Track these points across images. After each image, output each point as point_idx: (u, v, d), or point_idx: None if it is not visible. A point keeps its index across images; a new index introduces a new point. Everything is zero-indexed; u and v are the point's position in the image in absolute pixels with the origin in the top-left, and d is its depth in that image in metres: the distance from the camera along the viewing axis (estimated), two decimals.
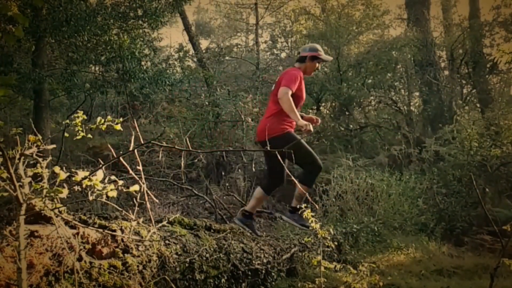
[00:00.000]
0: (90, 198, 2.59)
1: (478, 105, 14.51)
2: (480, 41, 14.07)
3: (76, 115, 2.84)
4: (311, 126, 4.25)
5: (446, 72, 14.51)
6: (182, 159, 8.96)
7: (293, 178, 3.46)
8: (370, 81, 13.36)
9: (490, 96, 14.05)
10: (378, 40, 14.50)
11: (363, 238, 6.26)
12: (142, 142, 2.85)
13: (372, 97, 13.46)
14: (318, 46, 4.90)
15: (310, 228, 4.17)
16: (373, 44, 13.70)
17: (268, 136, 4.37)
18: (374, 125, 12.41)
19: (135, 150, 2.83)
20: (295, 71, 4.60)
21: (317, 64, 4.84)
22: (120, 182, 2.64)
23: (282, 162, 4.23)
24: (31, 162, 2.66)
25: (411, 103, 14.00)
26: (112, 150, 3.23)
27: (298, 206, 4.35)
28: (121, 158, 2.80)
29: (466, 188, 8.11)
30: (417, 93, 14.10)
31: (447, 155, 8.82)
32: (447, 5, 18.10)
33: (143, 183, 2.71)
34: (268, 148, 4.52)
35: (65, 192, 2.45)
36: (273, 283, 4.60)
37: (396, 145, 10.56)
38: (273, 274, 4.62)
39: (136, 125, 3.50)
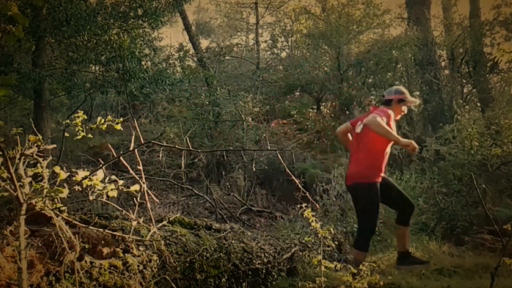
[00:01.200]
0: (91, 198, 2.59)
1: (478, 104, 14.50)
2: (481, 40, 14.06)
3: (76, 115, 2.85)
4: (415, 143, 4.23)
5: (447, 71, 14.51)
6: (183, 158, 8.97)
7: (293, 177, 3.46)
8: (370, 80, 13.35)
9: (491, 95, 14.04)
10: (378, 39, 14.50)
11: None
12: (142, 142, 2.86)
13: (372, 97, 13.45)
14: (403, 89, 4.81)
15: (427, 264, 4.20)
16: (374, 43, 13.71)
17: (357, 180, 4.37)
18: None
19: (135, 150, 2.83)
20: (385, 109, 4.52)
21: (403, 107, 4.74)
22: (121, 182, 2.65)
23: (373, 210, 4.23)
24: (32, 162, 2.66)
25: None
26: (112, 150, 3.24)
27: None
28: (121, 158, 2.80)
29: (467, 187, 8.09)
30: (418, 92, 14.10)
31: (448, 155, 8.80)
32: (448, 4, 18.09)
33: (143, 183, 2.71)
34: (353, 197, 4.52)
35: (65, 192, 2.46)
36: (274, 282, 4.59)
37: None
38: (273, 273, 4.62)
39: (136, 124, 3.50)
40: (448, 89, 13.23)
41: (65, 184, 2.57)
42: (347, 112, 13.06)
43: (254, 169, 8.58)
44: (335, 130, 12.07)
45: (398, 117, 4.78)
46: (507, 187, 8.89)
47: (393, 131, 4.42)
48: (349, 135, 4.91)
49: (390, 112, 4.46)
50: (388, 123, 4.32)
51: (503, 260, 3.04)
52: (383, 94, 4.93)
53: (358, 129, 4.61)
